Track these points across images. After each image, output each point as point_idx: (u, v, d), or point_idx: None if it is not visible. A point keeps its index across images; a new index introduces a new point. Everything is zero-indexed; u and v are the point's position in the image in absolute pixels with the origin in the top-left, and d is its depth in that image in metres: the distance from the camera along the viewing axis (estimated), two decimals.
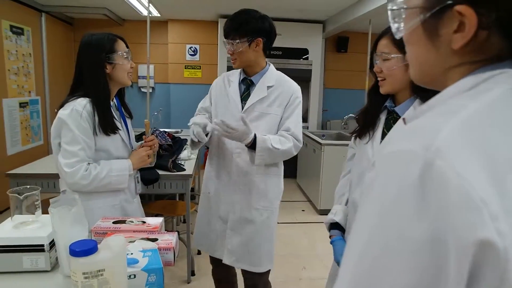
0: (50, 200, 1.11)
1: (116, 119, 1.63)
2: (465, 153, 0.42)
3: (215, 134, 1.78)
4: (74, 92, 1.59)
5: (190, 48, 5.94)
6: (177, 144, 2.98)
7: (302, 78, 5.75)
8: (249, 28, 1.69)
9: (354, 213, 1.39)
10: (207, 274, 2.79)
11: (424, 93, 1.24)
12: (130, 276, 1.05)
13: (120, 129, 1.63)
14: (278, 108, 1.79)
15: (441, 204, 0.40)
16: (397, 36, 0.62)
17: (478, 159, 0.41)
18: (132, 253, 1.14)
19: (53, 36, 5.10)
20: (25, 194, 1.21)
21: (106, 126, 1.56)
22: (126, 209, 1.69)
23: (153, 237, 1.29)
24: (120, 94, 1.76)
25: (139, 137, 2.84)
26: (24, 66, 4.43)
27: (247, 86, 1.84)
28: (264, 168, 1.80)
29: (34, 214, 1.25)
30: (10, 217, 1.23)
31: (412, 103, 1.28)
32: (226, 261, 1.88)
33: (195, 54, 5.96)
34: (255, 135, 1.67)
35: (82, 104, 1.53)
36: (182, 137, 3.20)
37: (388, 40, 1.26)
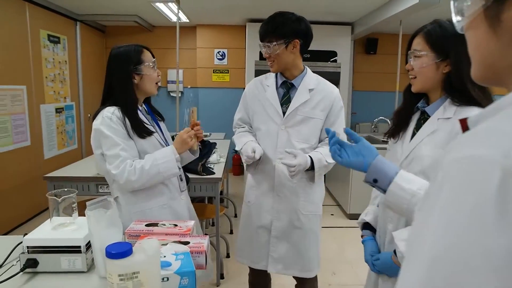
0: (87, 203, 1.14)
1: (147, 123, 1.66)
2: None
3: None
4: (105, 102, 1.66)
5: (218, 52, 6.01)
6: (206, 147, 3.01)
7: (331, 81, 5.64)
8: (285, 30, 1.67)
9: (382, 213, 1.37)
10: (236, 277, 2.80)
11: (455, 93, 1.21)
12: (163, 278, 1.06)
13: (154, 132, 1.66)
14: (321, 112, 1.76)
15: None
16: (458, 28, 0.57)
17: None
18: (165, 256, 1.16)
19: (86, 43, 5.28)
20: (63, 197, 1.25)
21: (139, 129, 1.60)
22: (174, 208, 1.70)
23: (185, 240, 1.31)
24: (147, 99, 1.80)
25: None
26: (60, 73, 4.61)
27: (287, 90, 1.80)
28: (310, 174, 1.78)
29: (71, 216, 1.29)
30: (49, 219, 1.28)
31: (442, 103, 1.26)
32: (271, 270, 1.86)
33: (223, 58, 6.02)
34: (310, 157, 1.68)
35: (110, 111, 1.58)
36: (211, 141, 3.24)
37: (421, 38, 1.24)
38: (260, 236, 1.86)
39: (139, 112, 1.66)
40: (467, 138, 0.46)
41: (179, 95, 6.08)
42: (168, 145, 1.74)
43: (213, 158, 2.97)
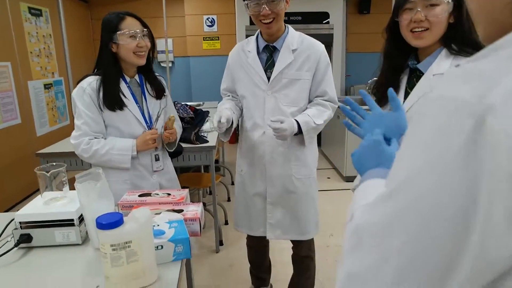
0: (76, 176, 1.12)
1: (124, 96, 1.63)
2: None
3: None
4: (94, 70, 1.67)
5: (207, 19, 5.85)
6: (199, 116, 2.97)
7: (324, 43, 5.53)
8: None
9: None
10: (235, 244, 2.85)
11: (455, 40, 1.15)
12: (157, 247, 1.06)
13: (126, 106, 1.63)
14: (307, 73, 1.69)
15: (488, 166, 0.35)
16: None
17: None
18: (158, 225, 1.15)
19: (70, 15, 5.10)
20: (52, 171, 1.23)
21: (111, 101, 1.60)
22: (140, 185, 1.71)
23: (179, 208, 1.30)
24: (147, 73, 1.75)
25: None
26: (46, 48, 4.48)
27: (270, 54, 1.72)
28: (299, 137, 1.75)
29: (62, 190, 1.27)
30: (40, 195, 1.26)
31: (436, 57, 1.19)
32: (270, 236, 1.87)
33: (212, 25, 5.87)
34: (296, 121, 1.65)
35: (88, 82, 1.62)
36: (204, 110, 3.20)
37: None
38: (256, 203, 1.86)
39: (122, 83, 1.64)
40: (448, 76, 0.43)
41: (170, 65, 5.97)
42: (149, 123, 1.72)
43: (206, 126, 2.93)
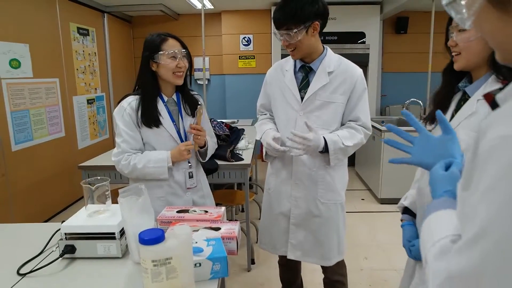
0: (119, 190, 1.16)
1: (160, 114, 1.69)
2: None
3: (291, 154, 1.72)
4: (135, 89, 1.75)
5: (243, 38, 5.96)
6: (235, 134, 3.01)
7: (359, 63, 5.40)
8: (304, 14, 1.56)
9: (420, 199, 1.30)
10: (267, 262, 2.82)
11: (503, 68, 1.12)
12: (196, 264, 1.07)
13: (161, 123, 1.69)
14: (342, 96, 1.67)
15: None
16: (466, 26, 0.56)
17: None
18: (196, 242, 1.17)
19: (114, 34, 5.36)
20: (97, 185, 1.28)
21: (147, 119, 1.67)
22: (172, 202, 1.75)
23: (216, 226, 1.31)
24: (183, 91, 1.80)
25: None
26: (90, 65, 4.71)
27: (305, 74, 1.73)
28: (326, 157, 1.72)
29: (105, 203, 1.32)
30: (84, 207, 1.31)
31: (485, 81, 1.16)
32: (291, 256, 1.85)
33: (248, 44, 5.98)
34: (324, 138, 1.63)
35: (128, 101, 1.70)
36: (239, 127, 3.23)
37: None
38: (280, 223, 1.85)
39: (159, 101, 1.71)
40: (500, 116, 0.46)
41: (206, 82, 6.11)
42: (184, 140, 1.76)
43: (241, 144, 2.96)
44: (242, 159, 2.66)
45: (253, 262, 2.84)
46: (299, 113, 1.72)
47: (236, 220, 3.03)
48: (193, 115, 1.81)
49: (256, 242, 3.17)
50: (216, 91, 6.24)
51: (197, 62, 5.96)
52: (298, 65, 1.75)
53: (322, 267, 1.92)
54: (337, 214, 1.79)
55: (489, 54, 1.13)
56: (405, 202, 1.41)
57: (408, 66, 5.96)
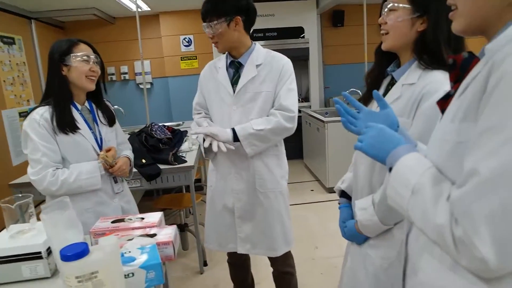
0: (41, 206, 1.09)
1: (77, 121, 1.62)
2: None
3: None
4: (44, 99, 1.65)
5: (184, 39, 5.87)
6: (177, 136, 2.96)
7: (301, 57, 5.65)
8: (225, 7, 1.64)
9: (356, 179, 1.34)
10: (220, 263, 2.80)
11: (425, 54, 1.14)
12: (128, 274, 1.03)
13: (78, 128, 1.62)
14: (270, 84, 1.73)
15: None
16: None
17: None
18: (130, 251, 1.13)
19: (45, 42, 5.05)
20: (17, 203, 1.19)
21: (63, 124, 1.58)
22: (102, 212, 1.67)
23: (152, 232, 1.28)
24: (98, 100, 1.75)
25: (138, 134, 2.83)
26: (20, 76, 4.41)
27: (236, 69, 1.79)
28: (262, 151, 1.77)
29: (29, 222, 1.23)
30: (5, 229, 1.22)
31: (409, 67, 1.19)
32: (241, 250, 1.85)
33: (189, 45, 5.89)
34: (232, 128, 1.70)
35: (39, 113, 1.59)
36: (182, 129, 3.18)
37: None
38: (225, 218, 1.86)
39: (73, 109, 1.63)
40: None
41: (148, 86, 5.96)
42: (101, 150, 1.70)
43: (184, 146, 2.92)
44: (186, 161, 2.62)
45: (205, 264, 2.81)
46: (233, 108, 1.76)
47: (184, 223, 2.99)
48: (110, 124, 1.77)
49: None
50: (160, 94, 6.10)
51: (138, 67, 5.80)
52: (229, 61, 1.79)
53: (270, 260, 1.93)
54: (278, 203, 1.82)
55: (415, 39, 1.16)
56: (342, 185, 1.45)
57: (348, 57, 6.15)
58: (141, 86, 5.89)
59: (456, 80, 0.75)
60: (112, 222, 1.38)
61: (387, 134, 0.85)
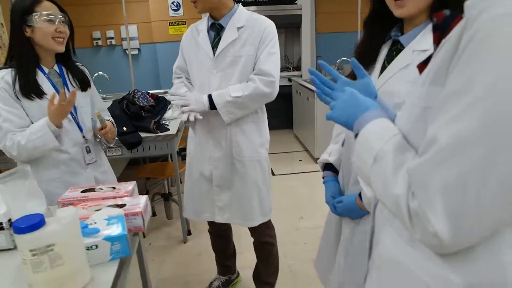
0: None
1: (41, 86, 1.52)
2: None
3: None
4: (6, 62, 1.54)
5: (172, 3, 5.65)
6: (161, 104, 2.88)
7: (293, 25, 5.48)
8: None
9: (348, 153, 1.25)
10: (204, 232, 2.78)
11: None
12: (91, 247, 0.99)
13: (44, 94, 1.52)
14: (251, 48, 1.66)
15: None
16: None
17: None
18: (95, 222, 1.08)
19: None
20: None
21: (26, 89, 1.48)
22: (72, 182, 1.58)
23: (122, 203, 1.23)
24: (68, 63, 1.64)
25: (119, 102, 2.74)
26: None
27: (217, 32, 1.70)
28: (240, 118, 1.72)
29: None
30: None
31: (421, 31, 1.07)
32: (219, 219, 1.83)
33: (178, 9, 5.68)
34: (209, 95, 1.64)
35: (0, 75, 1.48)
36: (166, 97, 3.09)
37: None
38: (202, 186, 1.83)
39: (39, 73, 1.53)
40: (491, 2, 0.48)
41: (136, 52, 5.78)
42: (76, 115, 1.62)
43: (168, 114, 2.84)
44: (168, 129, 2.55)
45: (189, 233, 2.81)
46: (212, 72, 1.69)
47: (168, 192, 2.96)
48: (82, 88, 1.66)
49: None
50: (149, 60, 5.93)
51: (124, 31, 5.60)
52: (210, 23, 1.71)
53: (249, 230, 1.91)
54: (255, 172, 1.78)
55: (432, 1, 1.02)
56: (330, 158, 1.37)
57: (342, 26, 5.98)
58: (128, 52, 5.71)
59: (439, 41, 0.68)
60: (82, 191, 1.33)
61: (357, 99, 0.80)
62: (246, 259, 2.35)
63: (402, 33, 1.14)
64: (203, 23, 1.75)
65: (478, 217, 0.49)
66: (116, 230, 1.04)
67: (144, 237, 2.83)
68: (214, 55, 1.68)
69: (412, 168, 0.55)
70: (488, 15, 0.48)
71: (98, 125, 1.65)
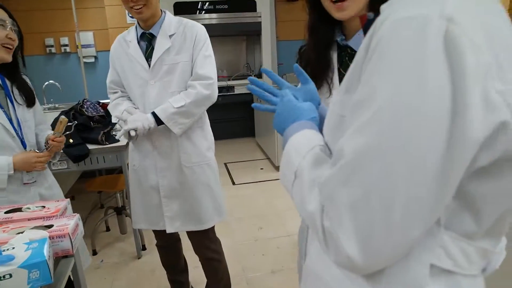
0: None
1: None
2: (473, 21, 0.43)
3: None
4: None
5: None
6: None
7: (253, 32, 5.48)
8: None
9: None
10: None
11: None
12: (3, 276, 0.89)
13: None
14: (186, 54, 1.64)
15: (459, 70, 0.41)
16: None
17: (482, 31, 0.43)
18: (14, 248, 0.98)
19: None
20: None
21: None
22: (16, 201, 1.48)
23: (49, 223, 1.13)
24: (14, 75, 1.53)
25: (66, 113, 2.60)
26: None
27: (148, 42, 1.66)
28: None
29: None
30: None
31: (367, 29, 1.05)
32: (170, 229, 1.78)
33: None
34: (153, 112, 1.61)
35: None
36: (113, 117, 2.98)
37: None
38: (151, 198, 1.78)
39: None
40: (401, 2, 0.46)
41: (92, 60, 5.59)
42: (20, 134, 1.52)
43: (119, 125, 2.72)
44: (118, 141, 2.44)
45: (144, 248, 2.69)
46: (150, 83, 1.65)
47: (122, 206, 2.83)
48: (28, 104, 1.56)
49: None
50: (106, 68, 5.71)
51: (83, 39, 5.40)
52: (139, 33, 1.65)
53: (193, 246, 1.87)
54: (206, 176, 1.76)
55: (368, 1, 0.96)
56: None
57: (302, 33, 5.98)
58: (85, 60, 5.51)
59: None
60: (6, 212, 1.22)
61: (290, 108, 0.76)
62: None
63: (345, 35, 1.11)
64: (131, 33, 1.69)
65: (387, 237, 0.45)
66: (34, 255, 0.95)
67: (96, 254, 2.69)
68: (149, 66, 1.64)
69: (322, 182, 0.52)
70: (391, 20, 0.45)
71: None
